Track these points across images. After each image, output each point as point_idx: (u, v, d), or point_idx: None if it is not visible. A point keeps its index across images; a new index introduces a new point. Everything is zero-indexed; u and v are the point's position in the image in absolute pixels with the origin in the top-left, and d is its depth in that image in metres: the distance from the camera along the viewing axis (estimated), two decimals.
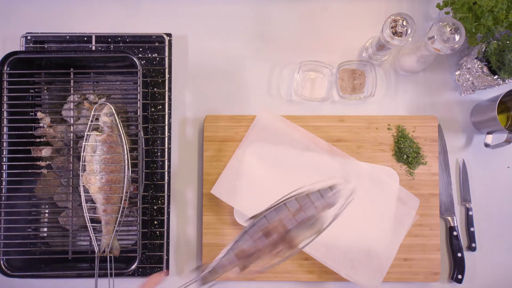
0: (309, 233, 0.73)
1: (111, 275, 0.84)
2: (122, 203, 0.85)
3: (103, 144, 0.85)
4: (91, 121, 0.86)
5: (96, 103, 0.89)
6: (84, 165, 0.85)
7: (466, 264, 0.94)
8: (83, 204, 0.85)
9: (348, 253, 0.90)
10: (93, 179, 0.85)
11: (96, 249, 0.84)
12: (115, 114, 0.85)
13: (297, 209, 0.71)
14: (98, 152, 0.85)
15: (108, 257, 0.85)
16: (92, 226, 0.86)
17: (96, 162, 0.85)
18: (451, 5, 0.90)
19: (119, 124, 0.85)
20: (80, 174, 0.85)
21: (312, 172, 0.92)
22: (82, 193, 0.85)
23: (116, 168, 0.85)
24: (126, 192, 0.85)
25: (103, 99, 0.94)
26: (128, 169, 0.85)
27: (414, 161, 0.94)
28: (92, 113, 0.86)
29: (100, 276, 0.84)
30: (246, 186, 0.92)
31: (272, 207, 0.73)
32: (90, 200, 0.87)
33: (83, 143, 0.85)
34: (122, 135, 0.85)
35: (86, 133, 0.86)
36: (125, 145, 0.85)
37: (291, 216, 0.71)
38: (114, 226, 0.86)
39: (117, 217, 0.86)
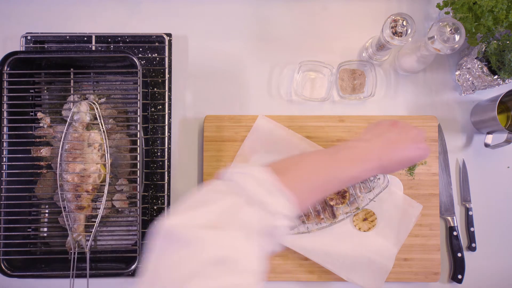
0: (348, 209, 0.91)
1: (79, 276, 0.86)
2: (103, 202, 0.86)
3: (71, 141, 0.88)
4: (70, 119, 0.88)
5: (95, 103, 0.90)
6: (61, 163, 0.88)
7: (466, 264, 0.94)
8: (60, 203, 0.87)
9: (347, 258, 0.90)
10: (68, 177, 0.87)
11: (85, 247, 0.86)
12: (93, 110, 0.88)
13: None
14: (68, 148, 0.88)
15: (74, 256, 0.86)
16: (88, 223, 0.86)
17: (67, 159, 0.88)
18: (451, 5, 0.90)
19: (99, 119, 0.87)
20: (57, 172, 0.88)
21: None
22: (59, 191, 0.87)
23: (86, 167, 0.88)
24: (95, 188, 0.88)
25: (103, 99, 0.94)
26: (104, 172, 0.85)
27: None
28: (72, 110, 0.88)
29: (95, 276, 0.85)
30: None
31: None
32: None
33: (61, 141, 0.88)
34: (103, 133, 0.87)
35: (64, 132, 0.88)
36: (105, 142, 0.87)
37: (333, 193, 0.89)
38: (84, 225, 0.88)
39: (85, 215, 0.88)
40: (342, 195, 0.89)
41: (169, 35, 0.96)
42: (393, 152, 0.67)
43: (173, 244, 0.47)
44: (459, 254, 0.94)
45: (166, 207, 0.93)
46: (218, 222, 0.48)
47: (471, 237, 0.95)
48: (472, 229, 0.96)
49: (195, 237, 0.46)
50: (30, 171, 0.92)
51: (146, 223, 0.94)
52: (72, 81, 0.95)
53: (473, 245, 0.95)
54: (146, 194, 0.94)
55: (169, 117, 0.95)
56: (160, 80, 0.96)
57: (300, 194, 0.56)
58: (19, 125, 0.90)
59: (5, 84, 0.87)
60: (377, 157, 0.65)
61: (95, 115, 0.88)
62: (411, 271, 0.93)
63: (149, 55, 0.98)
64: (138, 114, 0.86)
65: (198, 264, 0.45)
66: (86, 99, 0.94)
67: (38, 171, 0.92)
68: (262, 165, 0.57)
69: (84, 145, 0.88)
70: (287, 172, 0.58)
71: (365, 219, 0.91)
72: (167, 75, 0.95)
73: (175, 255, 0.46)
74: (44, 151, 0.91)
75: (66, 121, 0.91)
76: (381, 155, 0.66)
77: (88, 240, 0.87)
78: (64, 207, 0.87)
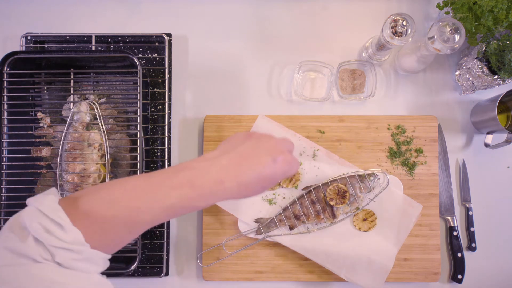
0: (348, 209, 0.91)
1: None
2: None
3: (71, 141, 0.88)
4: (70, 119, 0.88)
5: (95, 102, 0.90)
6: (61, 163, 0.88)
7: (466, 264, 0.94)
8: None
9: (347, 258, 0.90)
10: (68, 177, 0.87)
11: None
12: (93, 110, 0.87)
13: (339, 188, 0.89)
14: (68, 148, 0.88)
15: None
16: None
17: (67, 159, 0.88)
18: (451, 5, 0.90)
19: (99, 119, 0.87)
20: (57, 172, 0.87)
21: (311, 179, 0.92)
22: (59, 191, 0.87)
23: (86, 167, 0.87)
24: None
25: (103, 99, 0.94)
26: (100, 169, 0.85)
27: (413, 161, 0.94)
28: (72, 110, 0.88)
29: None
30: None
31: (319, 184, 0.90)
32: None
33: (61, 141, 0.87)
34: (103, 133, 0.87)
35: (64, 132, 0.88)
36: (105, 142, 0.86)
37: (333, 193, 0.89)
38: None
39: None
40: (342, 195, 0.89)
41: (169, 35, 0.96)
42: (240, 171, 0.54)
43: None
44: (459, 254, 0.94)
45: None
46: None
47: (471, 237, 0.95)
48: (472, 229, 0.96)
49: None
50: (30, 171, 0.92)
51: None
52: (72, 81, 0.95)
53: (473, 245, 0.95)
54: None
55: (169, 117, 0.95)
56: (160, 80, 0.97)
57: (93, 228, 0.49)
58: (19, 125, 0.90)
59: (5, 84, 0.87)
60: (216, 179, 0.53)
61: (95, 115, 0.88)
62: (411, 271, 0.93)
63: (149, 55, 0.98)
64: (138, 114, 0.86)
65: None
66: (86, 99, 0.94)
67: (38, 171, 0.92)
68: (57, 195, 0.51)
69: (84, 145, 0.88)
70: (79, 202, 0.50)
71: (365, 219, 0.91)
72: (167, 75, 0.95)
73: None
74: (44, 151, 0.91)
75: (66, 121, 0.91)
76: (223, 176, 0.53)
77: None
78: None
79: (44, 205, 0.49)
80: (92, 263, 0.50)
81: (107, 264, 0.52)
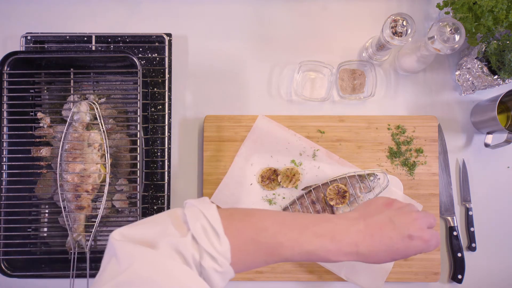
0: (348, 209, 0.91)
1: (73, 276, 0.86)
2: (103, 202, 0.87)
3: (71, 141, 0.88)
4: (70, 119, 0.88)
5: (95, 102, 0.90)
6: (61, 163, 0.88)
7: (466, 264, 0.94)
8: (60, 203, 0.87)
9: None
10: (68, 177, 0.87)
11: (83, 246, 0.86)
12: (93, 110, 0.87)
13: (339, 188, 0.89)
14: (68, 148, 0.88)
15: (74, 256, 0.86)
16: (88, 223, 0.86)
17: (67, 159, 0.88)
18: (451, 5, 0.90)
19: (99, 119, 0.87)
20: (57, 172, 0.87)
21: (311, 179, 0.92)
22: (59, 191, 0.87)
23: (86, 167, 0.88)
24: (95, 188, 0.88)
25: (103, 99, 0.94)
26: (101, 171, 0.85)
27: (413, 161, 0.94)
28: (72, 110, 0.88)
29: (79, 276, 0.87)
30: (246, 195, 0.92)
31: (319, 184, 0.90)
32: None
33: (62, 141, 0.87)
34: (103, 133, 0.87)
35: (64, 132, 0.88)
36: (105, 142, 0.86)
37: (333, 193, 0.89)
38: (84, 225, 0.88)
39: (85, 215, 0.88)
40: (342, 195, 0.89)
41: (169, 35, 0.96)
42: (375, 240, 0.56)
43: (107, 252, 0.49)
44: (459, 254, 0.94)
45: (166, 207, 0.93)
46: (154, 241, 0.48)
47: (471, 237, 0.95)
48: (472, 229, 0.96)
49: (125, 251, 0.46)
50: (30, 171, 0.92)
51: None
52: (72, 81, 0.95)
53: (473, 245, 0.95)
54: (146, 194, 0.94)
55: (169, 117, 0.95)
56: (160, 80, 0.96)
57: (238, 246, 0.52)
58: (19, 125, 0.90)
59: (5, 84, 0.87)
60: (354, 241, 0.55)
61: (95, 115, 0.88)
62: (411, 271, 0.93)
63: (149, 55, 0.98)
64: (138, 114, 0.86)
65: (116, 278, 0.44)
66: (86, 99, 0.94)
67: (38, 171, 0.92)
68: (215, 207, 0.54)
69: (84, 145, 0.88)
70: (233, 219, 0.53)
71: None
72: (167, 75, 0.95)
73: (105, 263, 0.48)
74: (44, 151, 0.91)
75: (66, 121, 0.91)
76: (360, 241, 0.56)
77: (88, 240, 0.87)
78: (64, 207, 0.87)
79: (208, 210, 0.52)
80: (223, 279, 0.51)
81: (227, 285, 0.54)
